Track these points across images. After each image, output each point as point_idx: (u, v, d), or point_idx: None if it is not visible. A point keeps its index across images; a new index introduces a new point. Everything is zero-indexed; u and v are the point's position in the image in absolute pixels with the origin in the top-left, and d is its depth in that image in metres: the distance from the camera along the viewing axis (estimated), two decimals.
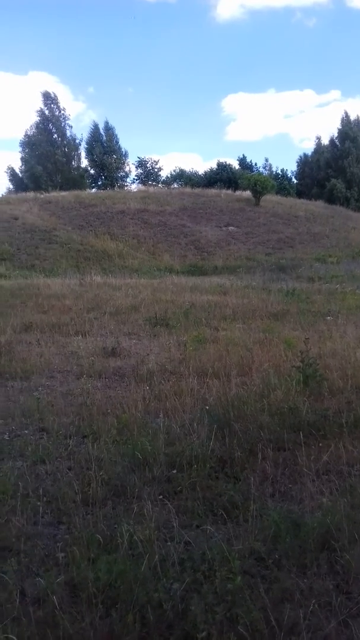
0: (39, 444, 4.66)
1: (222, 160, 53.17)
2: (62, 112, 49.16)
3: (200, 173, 55.00)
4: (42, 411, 5.45)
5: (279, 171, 54.19)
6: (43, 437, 4.91)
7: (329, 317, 11.34)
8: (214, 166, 53.08)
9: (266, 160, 60.27)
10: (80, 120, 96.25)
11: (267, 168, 54.92)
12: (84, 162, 51.25)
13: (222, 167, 51.97)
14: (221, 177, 49.14)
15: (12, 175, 49.97)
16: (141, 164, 54.63)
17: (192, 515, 3.48)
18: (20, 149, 49.15)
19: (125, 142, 76.03)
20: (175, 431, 4.72)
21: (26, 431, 5.07)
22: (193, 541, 3.13)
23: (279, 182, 47.68)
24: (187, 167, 58.99)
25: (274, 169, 54.77)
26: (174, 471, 4.04)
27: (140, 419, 5.08)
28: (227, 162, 52.80)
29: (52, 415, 5.34)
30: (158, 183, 52.88)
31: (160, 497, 3.72)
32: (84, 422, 5.16)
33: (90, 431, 4.92)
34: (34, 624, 2.45)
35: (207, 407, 5.25)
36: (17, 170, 49.50)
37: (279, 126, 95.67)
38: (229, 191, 40.52)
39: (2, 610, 2.56)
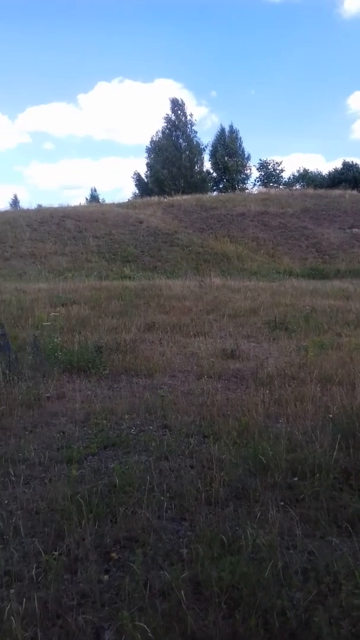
0: (162, 440, 4.81)
1: (347, 159, 51.32)
2: (189, 117, 50.35)
3: (324, 174, 53.51)
4: (165, 408, 5.63)
5: None
6: (166, 433, 5.06)
7: None
8: (339, 166, 51.41)
9: None
10: (203, 124, 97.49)
11: None
12: (206, 166, 52.06)
13: (348, 167, 50.15)
14: (346, 177, 47.46)
15: (138, 180, 52.08)
16: (263, 165, 54.33)
17: (315, 525, 3.40)
18: (146, 154, 51.09)
19: (247, 144, 76.16)
20: (297, 438, 4.64)
21: (150, 427, 5.25)
22: (317, 551, 3.06)
23: None
24: (311, 168, 57.68)
25: None
26: (296, 479, 3.98)
27: (261, 423, 5.06)
28: (354, 162, 50.85)
29: (174, 413, 5.49)
30: (279, 185, 52.23)
31: (282, 503, 3.68)
32: (204, 422, 5.24)
33: (211, 431, 4.99)
34: (160, 616, 2.53)
35: (331, 416, 5.10)
36: (143, 176, 51.48)
37: None
38: (354, 192, 38.95)
39: (129, 598, 2.68)
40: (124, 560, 3.09)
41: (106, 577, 2.95)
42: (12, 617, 2.39)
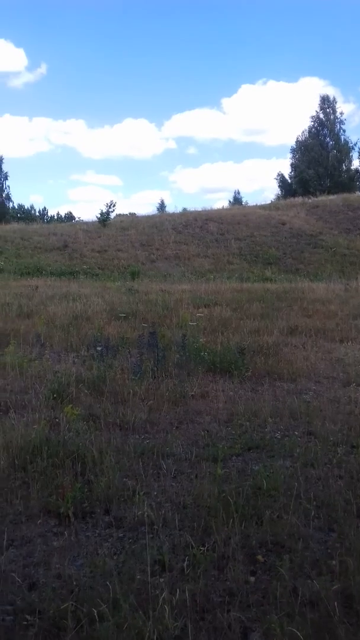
0: (308, 447, 4.71)
1: None
2: (339, 115, 48.74)
3: None
4: (310, 415, 5.50)
5: None
6: (311, 440, 4.94)
7: None
8: None
9: None
10: (350, 121, 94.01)
11: None
12: (355, 164, 49.93)
13: None
14: None
15: (282, 182, 51.48)
16: None
17: None
18: (290, 155, 50.35)
19: None
20: None
21: (295, 432, 5.16)
22: None
23: None
24: None
25: None
26: None
27: None
28: None
29: (319, 420, 5.35)
30: None
31: None
32: (353, 432, 5.03)
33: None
34: (309, 625, 2.48)
35: None
36: (287, 176, 50.77)
37: None
38: None
39: (277, 603, 2.66)
40: (270, 564, 3.07)
41: (252, 578, 2.95)
42: (165, 606, 2.49)
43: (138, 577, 2.86)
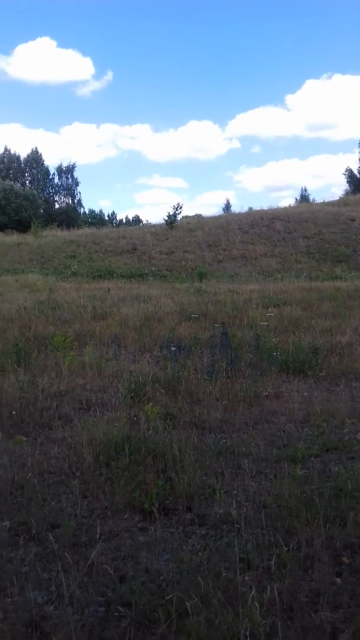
0: None
1: None
2: None
3: None
4: None
5: None
6: None
7: None
8: None
9: None
10: None
11: None
12: None
13: None
14: None
15: (350, 177, 50.15)
16: None
17: None
18: (358, 149, 48.91)
19: None
20: None
21: None
22: None
23: None
24: None
25: None
26: None
27: None
28: None
29: None
30: None
31: None
32: None
33: None
34: None
35: None
36: (355, 171, 49.36)
37: None
38: None
39: None
40: (355, 566, 3.04)
41: (338, 579, 2.93)
42: (255, 603, 2.52)
43: (224, 574, 2.91)
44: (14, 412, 5.38)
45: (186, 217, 39.35)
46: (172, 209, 34.21)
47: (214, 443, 4.82)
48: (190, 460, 4.24)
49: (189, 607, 2.54)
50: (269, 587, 2.69)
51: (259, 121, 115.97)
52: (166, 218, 33.95)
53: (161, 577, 2.93)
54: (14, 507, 3.68)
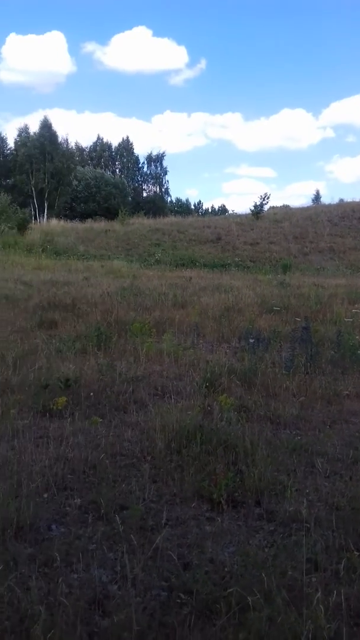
0: None
1: None
2: None
3: None
4: None
5: None
6: None
7: None
8: None
9: None
10: None
11: None
12: None
13: None
14: None
15: None
16: None
17: None
18: None
19: None
20: None
21: None
22: None
23: None
24: None
25: None
26: None
27: None
28: None
29: None
30: None
31: None
32: None
33: None
34: None
35: None
36: None
37: None
38: None
39: None
40: None
41: None
42: (320, 606, 2.43)
43: (290, 573, 2.83)
44: (91, 394, 5.52)
45: (273, 207, 38.75)
46: (259, 199, 33.86)
47: (288, 439, 4.71)
48: (262, 454, 4.17)
49: (250, 602, 2.49)
50: (335, 591, 2.59)
51: (355, 109, 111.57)
52: (252, 208, 33.60)
53: (225, 569, 2.90)
54: (85, 485, 3.78)
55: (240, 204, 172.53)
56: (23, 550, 2.98)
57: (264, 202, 33.92)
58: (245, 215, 34.86)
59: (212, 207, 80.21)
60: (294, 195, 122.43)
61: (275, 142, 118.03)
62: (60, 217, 43.67)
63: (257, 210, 33.47)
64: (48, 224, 38.89)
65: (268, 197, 33.99)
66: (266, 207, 34.68)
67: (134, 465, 4.12)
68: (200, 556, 3.03)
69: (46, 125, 52.99)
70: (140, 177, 74.92)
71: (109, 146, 72.62)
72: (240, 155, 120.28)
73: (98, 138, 72.22)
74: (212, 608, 2.58)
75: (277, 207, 40.41)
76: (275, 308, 11.27)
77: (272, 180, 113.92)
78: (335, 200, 39.90)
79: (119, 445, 4.45)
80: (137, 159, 74.35)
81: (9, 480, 3.69)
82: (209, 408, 5.19)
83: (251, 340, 7.57)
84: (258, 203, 33.74)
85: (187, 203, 77.18)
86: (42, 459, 4.07)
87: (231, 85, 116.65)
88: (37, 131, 52.86)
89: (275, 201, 75.52)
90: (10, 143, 56.19)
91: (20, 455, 4.14)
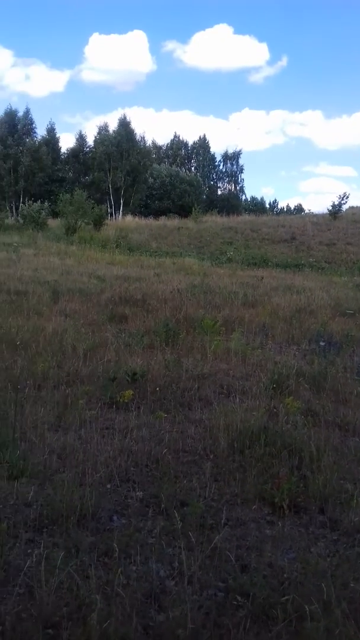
0: None
1: None
2: None
3: None
4: None
5: None
6: None
7: None
8: None
9: None
10: None
11: None
12: None
13: None
14: None
15: None
16: None
17: None
18: None
19: None
20: None
21: None
22: None
23: None
24: None
25: None
26: None
27: None
28: None
29: None
30: None
31: None
32: None
33: None
34: None
35: None
36: None
37: None
38: None
39: None
40: None
41: None
42: None
43: (352, 585, 2.73)
44: (157, 389, 5.57)
45: (352, 207, 37.55)
46: (337, 199, 32.94)
47: (356, 447, 4.55)
48: (328, 461, 4.05)
49: (308, 611, 2.43)
50: None
51: None
52: (330, 208, 32.77)
53: (284, 575, 2.84)
54: (147, 478, 3.82)
55: (318, 204, 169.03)
56: (85, 539, 3.05)
57: (342, 202, 32.99)
58: (322, 215, 34.04)
59: (288, 206, 78.98)
60: None
61: (357, 140, 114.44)
62: (135, 214, 44.42)
63: (335, 210, 32.58)
64: (123, 221, 39.69)
65: (347, 197, 33.03)
66: (345, 207, 33.70)
67: (196, 463, 4.12)
68: (259, 559, 2.98)
69: (124, 124, 54.01)
70: (216, 175, 74.86)
71: (185, 144, 73.07)
72: (319, 153, 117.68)
73: (175, 136, 72.83)
74: (268, 613, 2.53)
75: (356, 207, 39.09)
76: (349, 311, 10.93)
77: (352, 180, 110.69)
78: None
79: (182, 441, 4.46)
80: (213, 157, 74.34)
81: (75, 469, 3.79)
82: (274, 410, 5.11)
83: (322, 343, 7.38)
84: (336, 202, 32.87)
85: (262, 202, 76.38)
86: (106, 449, 4.15)
87: (312, 82, 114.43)
88: (116, 129, 53.98)
89: (355, 201, 73.36)
90: (90, 141, 57.69)
91: (86, 445, 4.24)
